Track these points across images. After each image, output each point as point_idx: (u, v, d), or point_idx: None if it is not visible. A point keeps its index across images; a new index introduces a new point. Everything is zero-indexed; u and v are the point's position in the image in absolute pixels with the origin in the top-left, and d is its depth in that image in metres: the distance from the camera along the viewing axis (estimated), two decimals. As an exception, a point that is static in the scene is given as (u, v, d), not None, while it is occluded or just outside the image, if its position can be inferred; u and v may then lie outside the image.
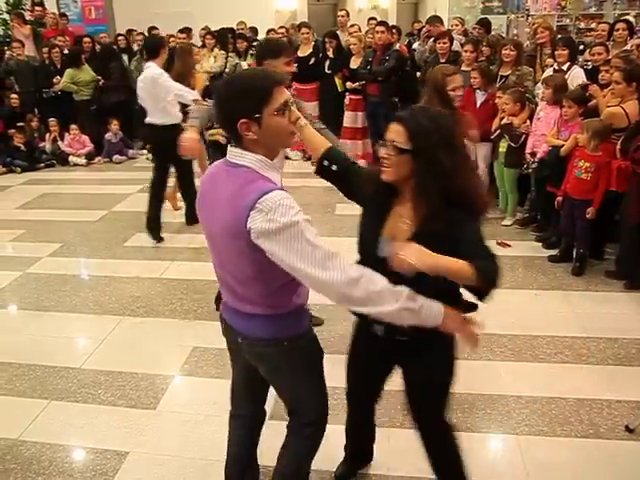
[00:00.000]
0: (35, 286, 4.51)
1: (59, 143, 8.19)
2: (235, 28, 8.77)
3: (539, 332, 3.66)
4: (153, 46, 5.03)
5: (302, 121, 2.04)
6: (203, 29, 8.53)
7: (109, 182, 7.32)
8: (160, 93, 4.85)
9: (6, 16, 10.75)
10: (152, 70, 4.87)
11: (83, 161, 8.12)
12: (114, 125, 8.22)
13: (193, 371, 3.38)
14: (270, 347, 1.92)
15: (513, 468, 2.62)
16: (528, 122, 5.04)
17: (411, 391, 2.21)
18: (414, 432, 2.30)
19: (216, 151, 7.64)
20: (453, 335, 2.01)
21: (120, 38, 8.80)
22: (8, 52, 8.86)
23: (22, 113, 8.20)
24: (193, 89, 5.09)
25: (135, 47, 8.83)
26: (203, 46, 8.30)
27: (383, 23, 7.02)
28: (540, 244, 4.94)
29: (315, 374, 2.11)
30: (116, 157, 8.29)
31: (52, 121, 8.16)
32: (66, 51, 8.54)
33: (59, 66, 8.26)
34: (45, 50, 8.50)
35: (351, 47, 6.99)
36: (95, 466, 2.72)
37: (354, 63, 6.93)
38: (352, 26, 7.48)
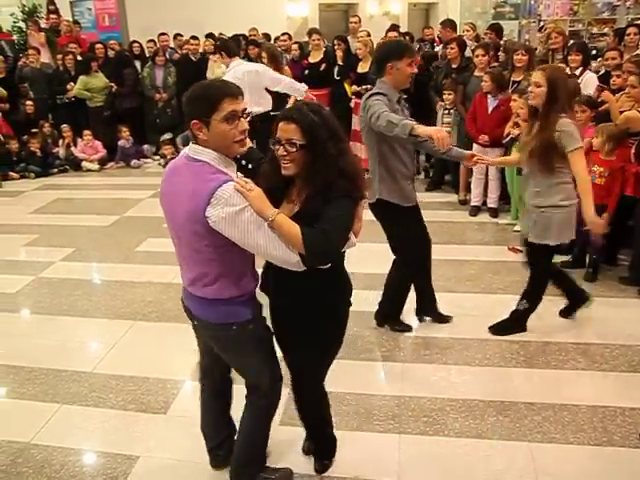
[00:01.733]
0: (48, 290, 4.54)
1: (72, 149, 8.27)
2: (247, 34, 8.81)
3: (551, 338, 3.62)
4: (237, 46, 5.70)
5: None
6: (220, 34, 8.59)
7: (121, 187, 7.37)
8: (263, 84, 5.34)
9: (22, 24, 10.87)
10: (252, 65, 5.69)
11: (96, 166, 8.19)
12: (124, 132, 8.29)
13: (203, 376, 3.38)
14: (220, 330, 2.19)
15: (524, 476, 2.59)
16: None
17: None
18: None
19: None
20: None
21: (135, 45, 8.87)
22: (23, 59, 8.98)
23: (36, 119, 8.29)
24: None
25: (147, 54, 8.90)
26: (215, 53, 8.35)
27: (394, 28, 7.03)
28: (552, 250, 4.90)
29: (263, 353, 2.31)
30: (134, 162, 8.39)
31: (65, 127, 8.25)
32: (79, 58, 8.64)
33: (73, 73, 8.35)
34: (59, 57, 8.60)
35: (357, 52, 7.01)
36: (106, 470, 2.73)
37: (361, 68, 6.96)
38: (361, 31, 7.48)
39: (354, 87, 7.01)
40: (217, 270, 2.07)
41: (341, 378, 3.26)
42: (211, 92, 1.94)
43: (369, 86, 6.68)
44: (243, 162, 2.36)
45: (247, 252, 2.02)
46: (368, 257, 4.02)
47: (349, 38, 7.81)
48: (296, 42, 8.04)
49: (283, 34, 8.48)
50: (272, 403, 2.44)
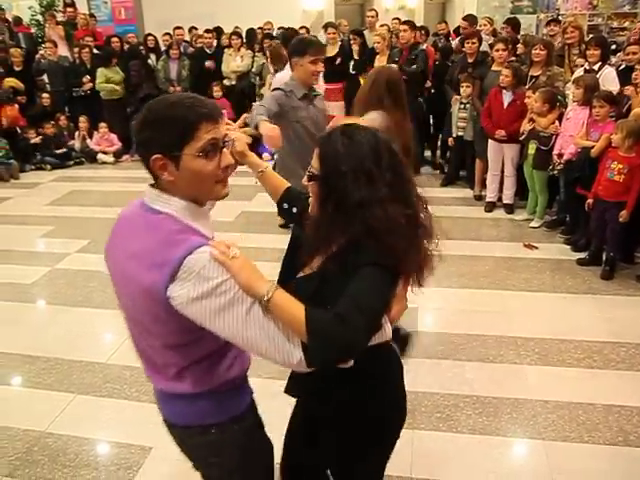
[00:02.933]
0: (63, 281, 4.58)
1: (88, 141, 8.32)
2: (262, 28, 8.81)
3: (567, 336, 3.59)
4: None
5: (264, 165, 1.93)
6: (236, 27, 8.59)
7: (136, 180, 7.36)
8: None
9: (40, 17, 10.95)
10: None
11: (111, 159, 8.23)
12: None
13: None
14: (194, 436, 1.58)
15: (538, 474, 2.58)
16: (557, 123, 4.96)
17: None
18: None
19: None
20: None
21: (150, 38, 8.89)
22: (40, 52, 9.04)
23: (52, 112, 8.34)
24: None
25: (162, 47, 8.92)
26: (229, 46, 8.36)
27: (407, 22, 6.98)
28: (569, 247, 4.86)
29: (256, 474, 1.70)
30: None
31: (82, 119, 8.30)
32: (95, 51, 8.68)
33: (89, 66, 8.39)
34: (76, 50, 8.65)
35: (375, 45, 6.97)
36: (120, 460, 2.75)
37: (379, 62, 6.90)
38: (381, 26, 7.43)
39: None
40: (183, 362, 1.47)
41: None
42: (182, 114, 1.34)
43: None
44: (285, 205, 1.88)
45: None
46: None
47: (365, 32, 7.77)
48: (313, 36, 8.00)
49: (300, 27, 8.46)
50: None
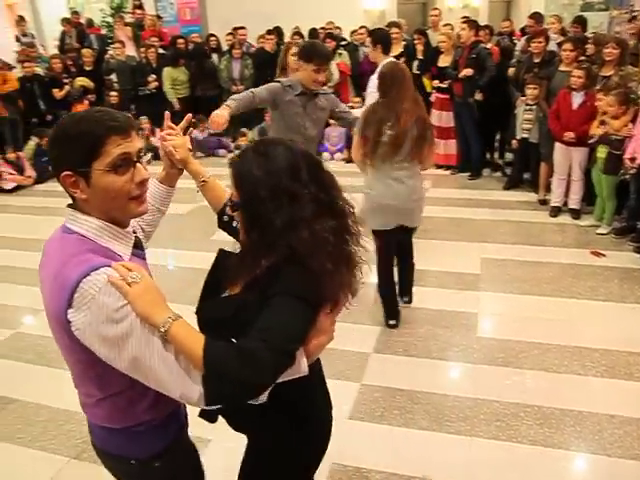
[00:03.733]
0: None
1: (151, 139, 8.55)
2: (325, 27, 8.83)
3: (636, 348, 3.43)
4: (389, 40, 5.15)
5: (206, 175, 1.84)
6: (294, 28, 8.65)
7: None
8: None
9: (110, 19, 11.35)
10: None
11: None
12: (202, 123, 8.47)
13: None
14: (118, 463, 1.54)
15: (604, 491, 2.48)
16: (630, 125, 4.75)
17: None
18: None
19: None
20: None
21: (212, 38, 9.06)
22: (110, 52, 9.36)
23: (119, 109, 8.60)
24: None
25: (225, 47, 9.08)
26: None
27: (467, 20, 6.84)
28: (639, 255, 4.64)
29: None
30: (222, 151, 8.57)
31: (144, 119, 8.52)
32: (161, 51, 8.92)
33: (155, 65, 8.63)
34: (142, 50, 8.91)
35: (439, 45, 6.86)
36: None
37: (443, 62, 6.79)
38: (445, 25, 7.32)
39: (435, 82, 6.88)
40: (100, 393, 1.41)
41: (412, 376, 3.24)
42: (89, 128, 1.28)
43: (449, 81, 6.57)
44: (225, 218, 1.72)
45: None
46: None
47: (429, 31, 7.67)
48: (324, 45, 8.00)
49: (360, 27, 8.44)
50: None
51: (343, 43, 8.64)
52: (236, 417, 1.58)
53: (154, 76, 8.49)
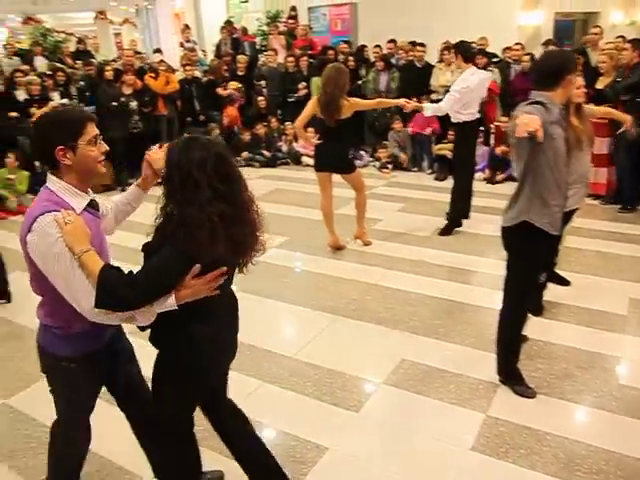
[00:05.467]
0: (262, 274, 4.87)
1: (294, 144, 8.86)
2: (477, 43, 8.62)
3: None
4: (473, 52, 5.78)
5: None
6: (444, 43, 8.54)
7: (335, 185, 7.65)
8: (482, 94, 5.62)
9: (265, 28, 11.93)
10: (485, 73, 5.79)
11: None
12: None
13: (399, 383, 3.39)
14: (42, 355, 2.18)
15: None
16: None
17: None
18: None
19: (442, 165, 7.65)
20: None
21: (364, 49, 9.21)
22: (262, 59, 9.84)
23: (266, 114, 9.03)
24: None
25: (372, 58, 9.18)
26: (440, 61, 8.32)
27: (632, 40, 6.32)
28: None
29: (69, 400, 2.24)
30: (357, 162, 8.63)
31: (289, 125, 8.85)
32: (311, 60, 9.20)
33: (305, 73, 8.92)
34: (292, 59, 9.23)
35: (599, 65, 6.43)
36: (295, 453, 2.86)
37: (601, 83, 6.35)
38: (607, 43, 6.86)
39: (591, 105, 6.45)
40: (43, 294, 2.08)
41: (543, 415, 3.06)
42: (73, 117, 1.99)
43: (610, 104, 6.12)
44: None
45: None
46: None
47: (588, 50, 7.24)
48: (528, 53, 7.68)
49: (516, 44, 8.15)
50: (59, 447, 2.37)
51: (494, 60, 8.39)
52: (151, 336, 2.09)
53: (304, 84, 8.77)
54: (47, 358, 2.17)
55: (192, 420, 2.28)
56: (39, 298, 2.13)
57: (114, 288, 1.83)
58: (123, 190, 7.85)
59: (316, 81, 8.61)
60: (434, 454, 2.83)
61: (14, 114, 7.56)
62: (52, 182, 2.00)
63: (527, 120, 2.61)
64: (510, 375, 3.30)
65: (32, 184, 7.26)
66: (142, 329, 2.06)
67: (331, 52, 9.22)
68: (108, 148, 2.08)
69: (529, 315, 3.33)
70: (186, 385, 2.14)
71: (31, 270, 2.02)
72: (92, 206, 2.10)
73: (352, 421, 3.08)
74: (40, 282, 2.00)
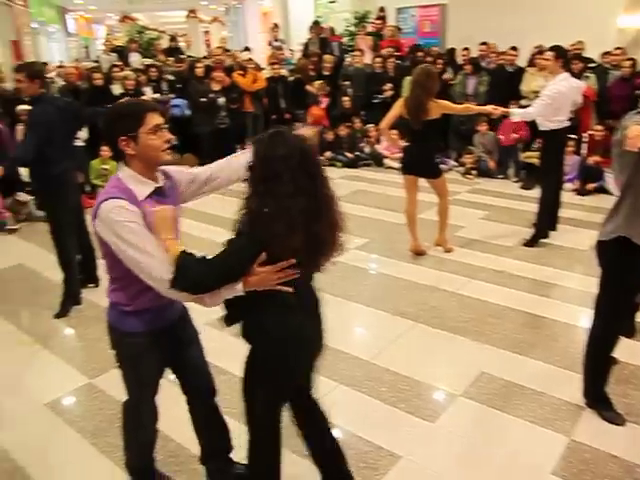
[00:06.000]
0: (341, 275, 4.88)
1: (377, 146, 8.81)
2: (573, 47, 8.28)
3: None
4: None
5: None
6: (536, 47, 8.26)
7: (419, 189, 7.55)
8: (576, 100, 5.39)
9: (352, 28, 11.95)
10: (577, 81, 5.53)
11: (397, 165, 8.55)
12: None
13: (478, 396, 3.29)
14: (110, 331, 2.31)
15: None
16: None
17: None
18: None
19: (530, 173, 7.39)
20: None
21: (453, 52, 9.05)
22: (348, 59, 9.85)
23: (350, 115, 9.03)
24: None
25: (460, 61, 8.99)
26: (531, 65, 8.05)
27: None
28: None
29: (133, 376, 2.37)
30: (443, 167, 8.49)
31: (371, 127, 8.82)
32: (398, 61, 9.13)
33: (392, 74, 8.86)
34: (379, 60, 9.19)
35: None
36: (368, 458, 2.84)
37: None
38: None
39: None
40: (111, 274, 2.21)
41: (633, 444, 2.89)
42: (134, 108, 2.09)
43: None
44: None
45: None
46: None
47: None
48: (630, 58, 7.29)
49: (616, 48, 7.75)
50: (127, 425, 2.52)
51: (591, 65, 8.02)
52: (242, 331, 2.13)
53: (390, 85, 8.71)
54: (114, 334, 2.30)
55: (280, 416, 2.29)
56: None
57: (189, 272, 1.92)
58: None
59: (406, 81, 8.52)
60: (511, 473, 2.74)
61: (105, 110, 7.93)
62: (121, 170, 2.12)
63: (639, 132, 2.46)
64: (597, 399, 3.14)
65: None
66: (228, 324, 2.12)
67: (420, 53, 9.11)
68: (172, 137, 2.17)
69: (620, 336, 3.15)
70: (272, 378, 2.17)
71: (102, 250, 2.16)
72: (159, 193, 2.17)
73: (427, 431, 3.03)
74: (109, 261, 2.15)
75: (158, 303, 2.21)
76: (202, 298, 1.99)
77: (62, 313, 4.52)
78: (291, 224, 1.87)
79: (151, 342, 2.28)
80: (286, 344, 2.10)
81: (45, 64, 10.34)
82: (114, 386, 3.43)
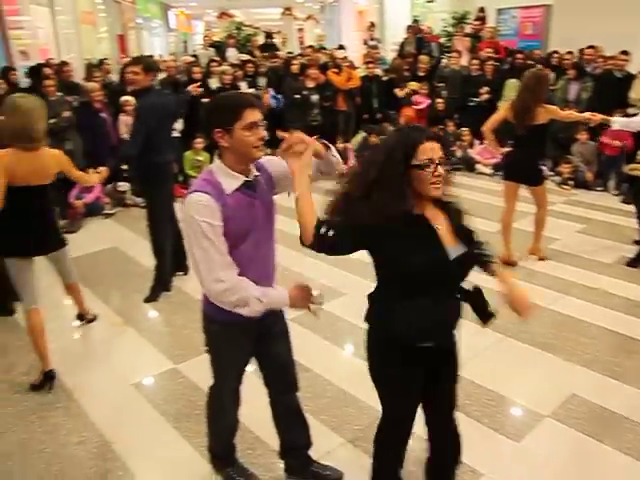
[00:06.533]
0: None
1: (469, 151, 8.57)
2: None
3: None
4: None
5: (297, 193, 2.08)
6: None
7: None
8: None
9: (450, 29, 11.70)
10: None
11: (489, 171, 8.33)
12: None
13: (567, 419, 3.12)
14: (203, 319, 2.41)
15: None
16: None
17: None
18: None
19: (632, 186, 6.95)
20: None
21: (555, 55, 8.66)
22: (444, 60, 9.65)
23: (444, 117, 8.84)
24: None
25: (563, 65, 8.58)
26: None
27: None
28: None
29: (218, 362, 2.46)
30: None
31: (465, 131, 8.60)
32: (497, 64, 8.83)
33: (490, 77, 8.59)
34: (476, 62, 8.93)
35: None
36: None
37: None
38: None
39: None
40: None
41: None
42: (233, 102, 2.07)
43: None
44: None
45: (236, 256, 2.12)
46: None
47: None
48: None
49: None
50: (210, 406, 2.60)
51: None
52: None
53: (487, 88, 8.45)
54: (205, 320, 2.40)
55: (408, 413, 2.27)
56: None
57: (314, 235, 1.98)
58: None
59: (509, 84, 8.24)
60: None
61: (207, 101, 8.14)
62: (215, 162, 2.16)
63: None
64: None
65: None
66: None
67: (520, 55, 8.78)
68: (266, 134, 2.13)
69: None
70: (383, 360, 2.19)
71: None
72: (249, 187, 2.16)
73: (511, 450, 2.90)
74: None
75: None
76: (247, 303, 2.10)
77: (152, 298, 4.70)
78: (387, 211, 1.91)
79: (240, 332, 2.33)
80: (397, 322, 2.12)
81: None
82: (197, 373, 3.55)
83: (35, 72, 7.42)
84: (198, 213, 2.01)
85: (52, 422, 3.22)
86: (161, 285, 4.77)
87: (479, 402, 3.26)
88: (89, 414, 3.28)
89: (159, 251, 4.70)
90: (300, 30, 26.24)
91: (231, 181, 2.11)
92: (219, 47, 11.91)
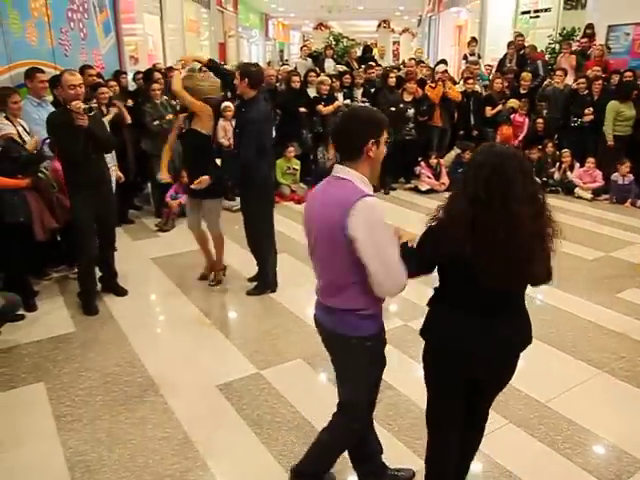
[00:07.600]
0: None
1: (568, 173, 8.19)
2: None
3: None
4: None
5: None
6: None
7: (611, 224, 6.89)
8: None
9: (556, 46, 11.26)
10: None
11: (588, 195, 7.94)
12: (624, 166, 7.69)
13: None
14: (338, 342, 2.33)
15: None
16: None
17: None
18: None
19: None
20: None
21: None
22: (548, 80, 9.28)
23: (543, 137, 8.51)
24: None
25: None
26: None
27: None
28: None
29: (372, 378, 2.41)
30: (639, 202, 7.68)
31: (566, 152, 8.22)
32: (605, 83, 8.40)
33: (595, 98, 8.21)
34: (583, 81, 8.52)
35: None
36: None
37: None
38: None
39: None
40: (348, 282, 2.19)
41: None
42: (380, 117, 2.20)
43: None
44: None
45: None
46: None
47: None
48: None
49: None
50: (336, 433, 2.52)
51: None
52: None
53: (591, 109, 8.06)
54: (349, 342, 2.27)
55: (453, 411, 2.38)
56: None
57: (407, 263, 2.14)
58: (386, 193, 8.16)
59: (614, 106, 7.82)
60: None
61: (304, 110, 8.25)
62: (344, 172, 2.17)
63: None
64: None
65: (302, 174, 8.11)
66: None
67: (629, 74, 8.30)
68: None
69: None
70: (433, 367, 2.36)
71: (341, 260, 2.17)
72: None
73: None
74: (352, 267, 2.14)
75: (381, 304, 2.33)
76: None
77: (254, 292, 4.90)
78: (466, 230, 1.98)
79: (382, 342, 2.38)
80: (440, 331, 2.34)
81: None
82: (280, 381, 3.56)
83: (147, 76, 7.76)
84: (382, 214, 2.11)
85: (139, 415, 3.32)
86: (266, 285, 4.90)
87: (571, 439, 3.07)
88: (175, 411, 3.35)
89: (263, 258, 4.84)
90: (395, 43, 26.22)
91: (369, 190, 2.18)
92: (316, 57, 12.04)
